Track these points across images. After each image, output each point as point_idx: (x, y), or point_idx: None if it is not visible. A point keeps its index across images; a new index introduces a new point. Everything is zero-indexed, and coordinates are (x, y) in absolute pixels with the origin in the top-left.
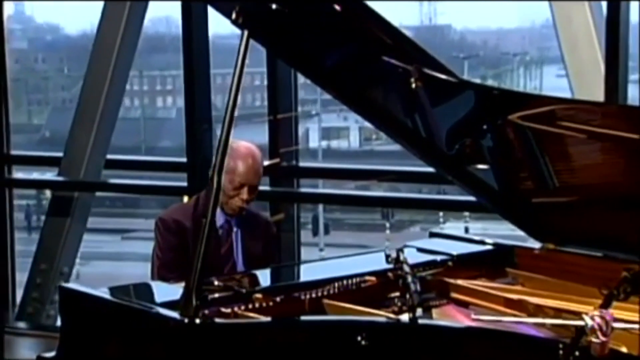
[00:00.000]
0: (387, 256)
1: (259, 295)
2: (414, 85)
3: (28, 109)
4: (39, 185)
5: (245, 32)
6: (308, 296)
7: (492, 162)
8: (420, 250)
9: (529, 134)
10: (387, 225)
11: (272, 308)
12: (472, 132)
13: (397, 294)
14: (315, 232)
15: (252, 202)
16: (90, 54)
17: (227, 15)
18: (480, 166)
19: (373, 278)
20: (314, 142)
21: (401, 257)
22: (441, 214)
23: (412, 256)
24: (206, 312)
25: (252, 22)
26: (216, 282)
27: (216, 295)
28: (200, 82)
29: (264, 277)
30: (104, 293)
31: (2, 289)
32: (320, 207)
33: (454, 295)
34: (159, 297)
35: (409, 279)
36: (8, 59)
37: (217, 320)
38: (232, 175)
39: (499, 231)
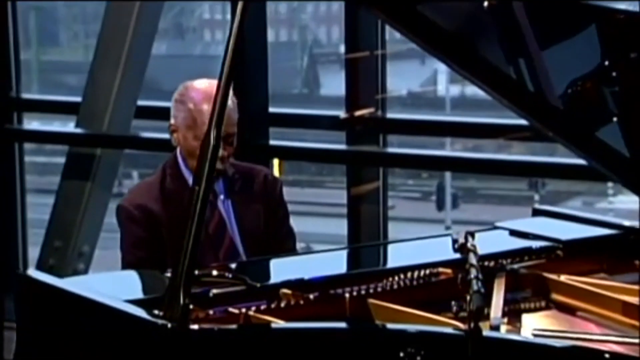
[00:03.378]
0: (454, 241)
1: (286, 291)
2: (486, 4)
3: (85, 43)
4: (51, 138)
5: None
6: (354, 293)
7: (619, 115)
8: (514, 233)
9: None
10: (537, 197)
11: (299, 309)
12: (590, 72)
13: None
14: (440, 206)
15: (230, 157)
16: None
17: None
18: (602, 120)
19: (447, 270)
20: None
21: (468, 243)
22: (610, 184)
23: (500, 242)
24: (210, 312)
25: None
26: (215, 272)
27: (221, 290)
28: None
29: (295, 265)
30: (69, 284)
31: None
32: (448, 174)
33: (556, 296)
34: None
35: (472, 273)
36: None
37: (213, 325)
38: (194, 129)
39: None
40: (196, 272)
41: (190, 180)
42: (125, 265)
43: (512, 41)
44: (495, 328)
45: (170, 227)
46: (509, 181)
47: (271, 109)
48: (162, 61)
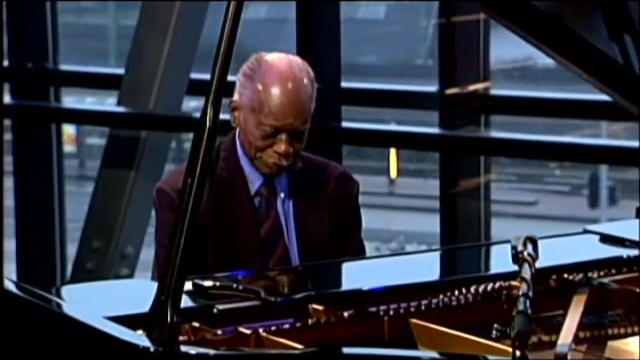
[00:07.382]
0: (513, 248)
1: (317, 307)
2: None
3: None
4: (88, 118)
5: None
6: (401, 310)
7: None
8: (605, 239)
9: None
10: None
11: (327, 330)
12: None
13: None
14: (593, 202)
15: (297, 155)
16: None
17: None
18: None
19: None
20: None
21: (525, 252)
22: None
23: (586, 249)
24: (219, 332)
25: None
26: (212, 282)
27: (232, 305)
28: None
29: (327, 274)
30: (54, 297)
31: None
32: (603, 166)
33: None
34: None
35: (522, 289)
36: None
37: (208, 349)
38: (258, 114)
39: None
40: (204, 283)
41: (247, 170)
42: (159, 260)
43: (615, 16)
44: (562, 358)
45: (214, 222)
46: None
47: (349, 84)
48: (261, 26)
